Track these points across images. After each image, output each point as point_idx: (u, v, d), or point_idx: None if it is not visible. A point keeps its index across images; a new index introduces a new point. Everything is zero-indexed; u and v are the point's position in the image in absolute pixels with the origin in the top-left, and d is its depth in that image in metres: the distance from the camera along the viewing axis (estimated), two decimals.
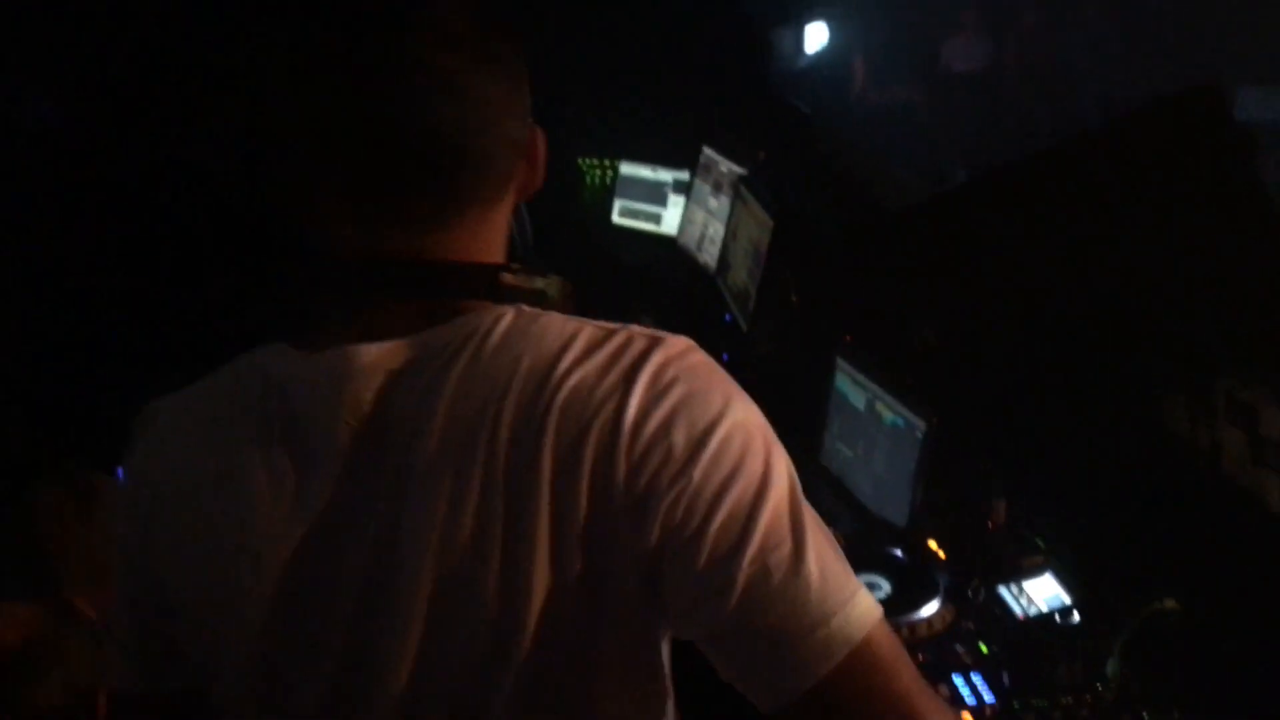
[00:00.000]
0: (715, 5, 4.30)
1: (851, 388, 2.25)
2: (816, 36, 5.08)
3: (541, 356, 0.89)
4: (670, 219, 3.75)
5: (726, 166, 3.38)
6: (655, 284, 3.49)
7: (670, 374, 0.89)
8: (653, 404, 0.88)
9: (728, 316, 3.06)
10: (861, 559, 1.97)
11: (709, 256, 3.38)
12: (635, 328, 0.94)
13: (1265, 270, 1.94)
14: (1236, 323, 1.96)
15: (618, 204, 3.85)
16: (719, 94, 4.00)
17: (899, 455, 2.10)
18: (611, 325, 0.93)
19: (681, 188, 3.70)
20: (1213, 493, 2.01)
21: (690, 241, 3.56)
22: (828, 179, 3.45)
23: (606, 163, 3.93)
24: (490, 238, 0.98)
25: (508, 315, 0.93)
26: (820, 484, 2.31)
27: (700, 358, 0.93)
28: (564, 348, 0.90)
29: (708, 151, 3.52)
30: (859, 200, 3.24)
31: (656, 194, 3.81)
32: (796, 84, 4.70)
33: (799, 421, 2.47)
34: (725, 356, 2.96)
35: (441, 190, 0.93)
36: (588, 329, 0.92)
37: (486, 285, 0.95)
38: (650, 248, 3.74)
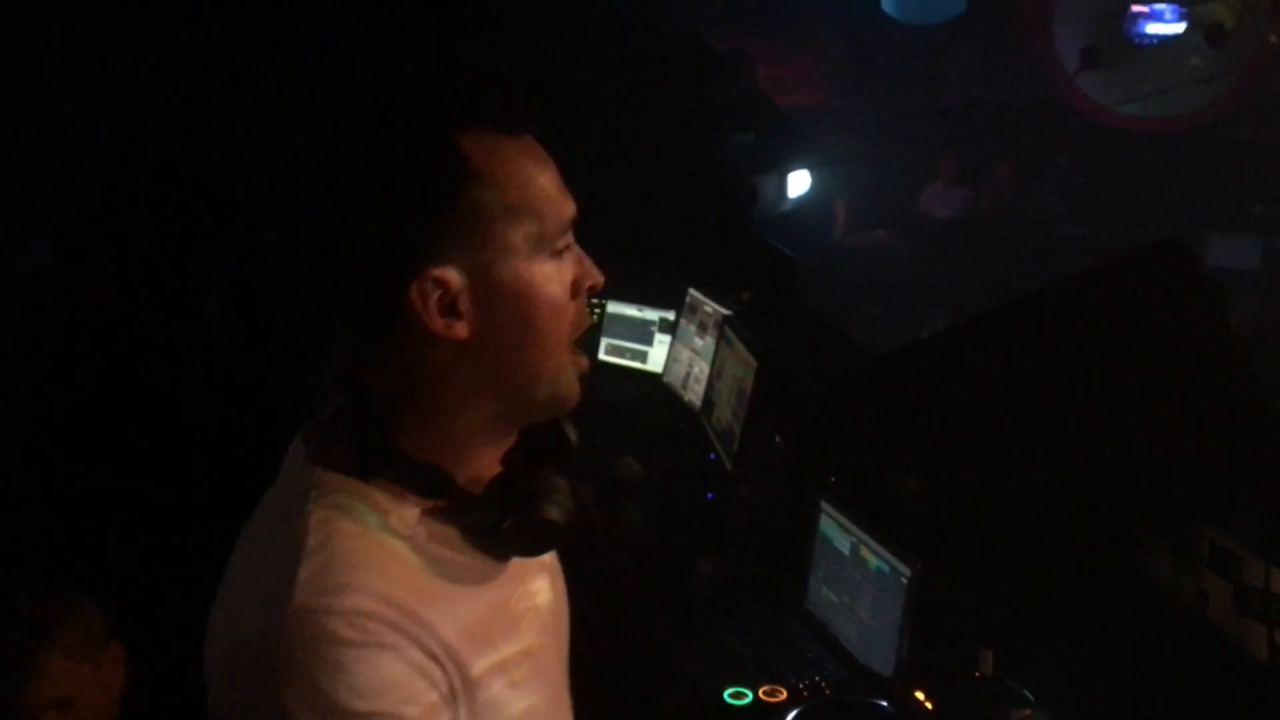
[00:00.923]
0: (701, 153, 4.44)
1: (836, 532, 2.25)
2: (799, 183, 5.22)
3: None
4: (656, 357, 3.80)
5: (711, 307, 3.45)
6: (640, 420, 3.51)
7: None
8: None
9: (712, 455, 3.07)
10: (846, 709, 1.94)
11: (694, 395, 3.42)
12: None
13: (1236, 418, 1.98)
14: (1213, 471, 1.98)
15: (604, 341, 3.91)
16: (704, 236, 4.10)
17: (884, 602, 2.08)
18: None
19: (668, 326, 3.77)
20: (1200, 642, 2.00)
21: (675, 379, 3.60)
22: (810, 322, 3.51)
23: (594, 301, 4.00)
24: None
25: None
26: (805, 631, 2.28)
27: None
28: None
29: (693, 292, 3.59)
30: (839, 344, 3.30)
31: (643, 332, 3.87)
32: (779, 228, 4.81)
33: (784, 565, 2.46)
34: (710, 495, 2.96)
35: None
36: None
37: None
38: (635, 384, 3.77)
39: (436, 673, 0.95)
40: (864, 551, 2.16)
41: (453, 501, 1.01)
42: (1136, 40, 6.88)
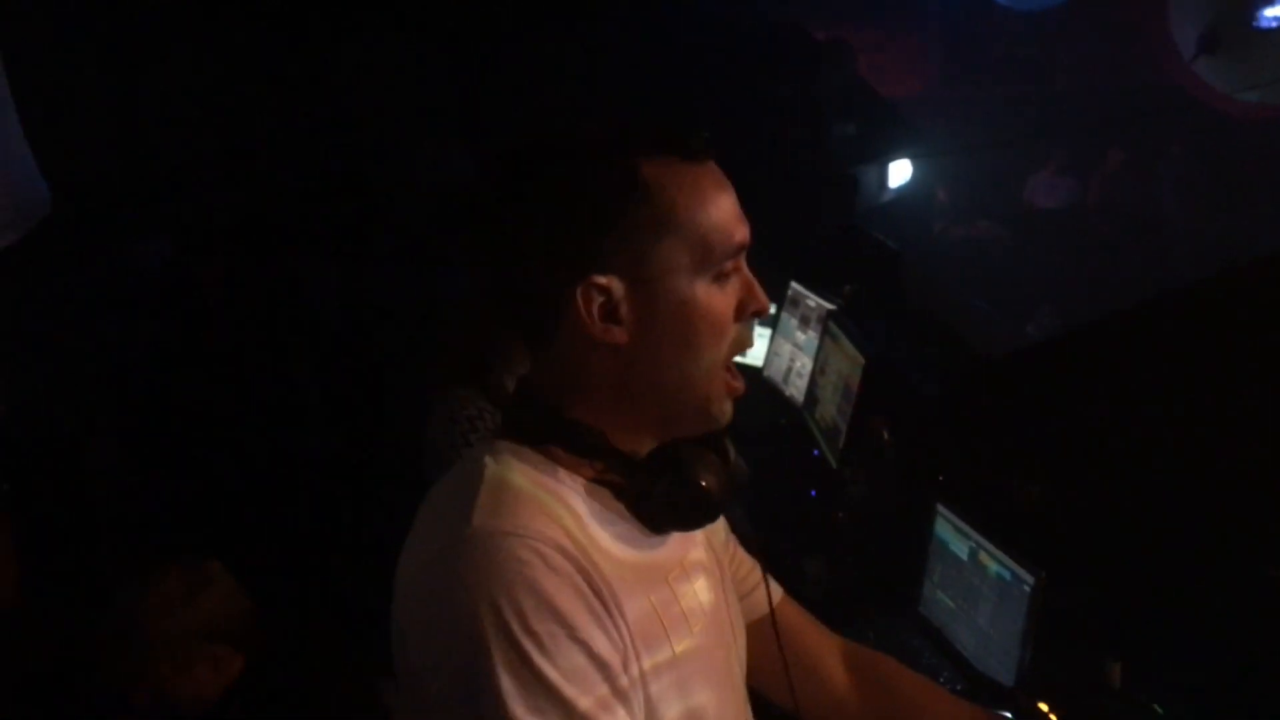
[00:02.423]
0: (802, 143, 4.38)
1: (953, 536, 2.19)
2: (900, 173, 5.11)
3: None
4: (756, 351, 3.74)
5: (815, 301, 3.38)
6: (740, 416, 3.48)
7: None
8: None
9: (815, 452, 3.02)
10: None
11: (796, 390, 3.36)
12: None
13: None
14: None
15: None
16: (805, 228, 4.03)
17: (1005, 609, 2.01)
18: None
19: (768, 320, 3.71)
20: None
21: (777, 374, 3.55)
22: (916, 317, 3.43)
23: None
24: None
25: None
26: (919, 635, 2.22)
27: None
28: None
29: (795, 286, 3.53)
30: (948, 341, 3.20)
31: None
32: (879, 219, 4.71)
33: (896, 568, 2.40)
34: (813, 493, 2.91)
35: None
36: None
37: None
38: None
39: (601, 610, 1.00)
40: (984, 557, 2.09)
41: (613, 464, 1.07)
42: (1258, 25, 6.57)
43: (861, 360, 2.81)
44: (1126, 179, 6.66)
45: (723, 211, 1.06)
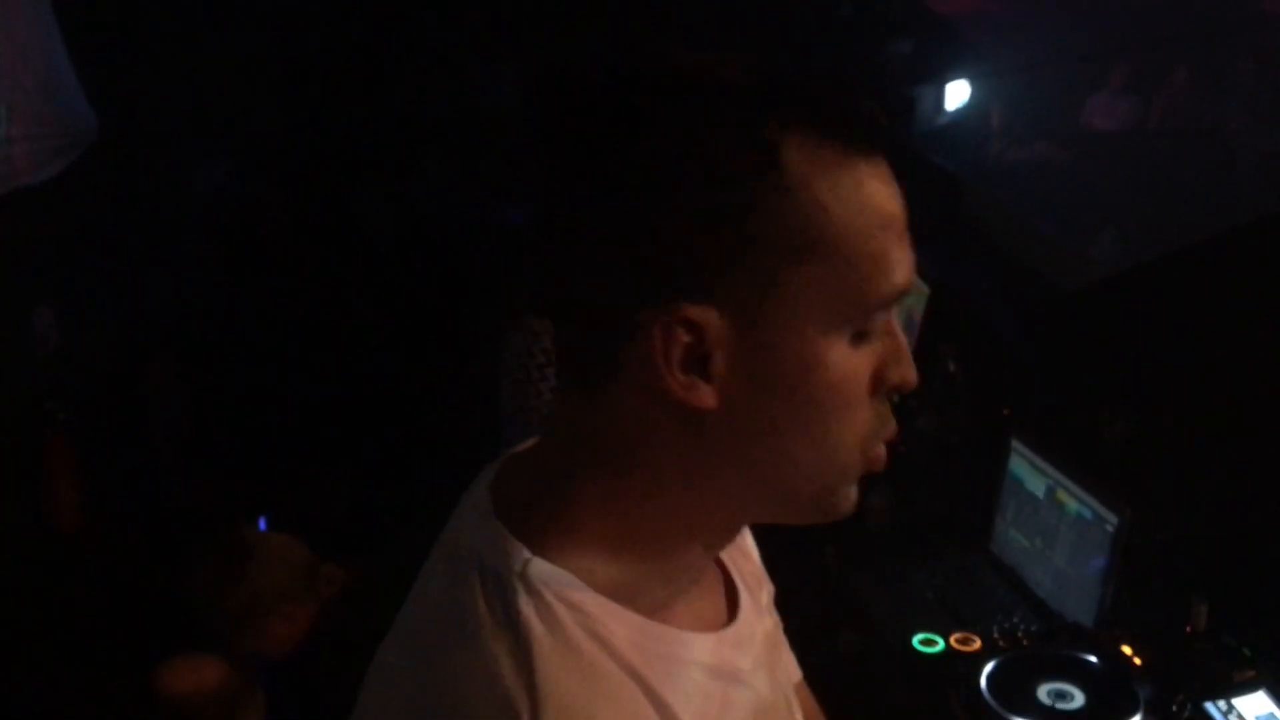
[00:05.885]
0: (857, 62, 4.25)
1: (1029, 473, 2.13)
2: (957, 94, 4.94)
3: None
4: None
5: None
6: None
7: None
8: None
9: None
10: (1049, 662, 1.84)
11: None
12: None
13: None
14: None
15: None
16: None
17: (1084, 549, 1.96)
18: None
19: None
20: None
21: None
22: (985, 246, 3.32)
23: None
24: None
25: None
26: (991, 573, 2.18)
27: None
28: None
29: None
30: (1018, 270, 3.10)
31: None
32: (934, 142, 4.58)
33: (965, 503, 2.35)
34: None
35: None
36: None
37: None
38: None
39: None
40: (1062, 495, 2.03)
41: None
42: None
43: (925, 290, 2.73)
44: (1192, 98, 6.41)
45: (890, 236, 0.71)
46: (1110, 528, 1.90)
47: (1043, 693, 1.79)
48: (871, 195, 0.71)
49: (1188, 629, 1.84)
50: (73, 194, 2.80)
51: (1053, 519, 2.05)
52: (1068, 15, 6.69)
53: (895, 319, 0.74)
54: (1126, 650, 1.83)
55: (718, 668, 0.77)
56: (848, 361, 0.71)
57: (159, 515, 3.05)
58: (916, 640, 1.95)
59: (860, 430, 0.74)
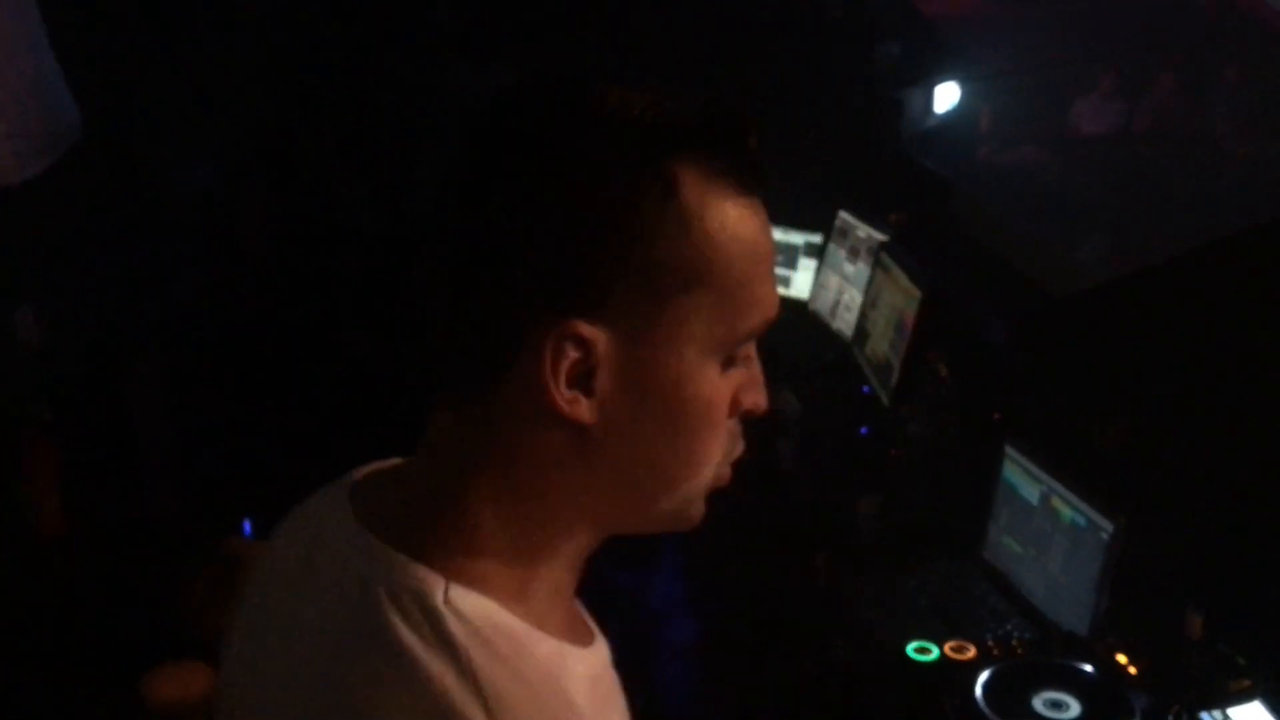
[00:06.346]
0: (845, 64, 4.25)
1: (1022, 479, 2.12)
2: (946, 97, 4.95)
3: None
4: (801, 282, 3.65)
5: (865, 231, 3.29)
6: (785, 350, 3.41)
7: None
8: None
9: (865, 388, 2.95)
10: (1044, 672, 1.84)
11: (844, 324, 3.28)
12: None
13: None
14: None
15: None
16: (849, 154, 3.92)
17: (1079, 557, 1.96)
18: None
19: (813, 251, 3.61)
20: None
21: (823, 307, 3.46)
22: (969, 247, 3.33)
23: None
24: None
25: None
26: (984, 581, 2.17)
27: None
28: None
29: (844, 215, 3.42)
30: (1004, 272, 3.11)
31: (787, 257, 3.72)
32: (922, 145, 4.59)
33: (955, 509, 2.34)
34: (864, 430, 2.85)
35: None
36: None
37: None
38: (780, 311, 3.65)
39: None
40: (1056, 502, 2.03)
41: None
42: None
43: (917, 294, 2.73)
44: (1178, 104, 6.46)
45: (767, 274, 0.78)
46: (1105, 535, 1.90)
47: (1038, 702, 1.79)
48: (753, 232, 0.77)
49: (1183, 638, 1.84)
50: (56, 193, 2.76)
51: (1047, 526, 2.05)
52: (1056, 20, 6.73)
53: (755, 355, 0.81)
54: (1121, 659, 1.83)
55: (598, 679, 0.80)
56: (716, 385, 0.77)
57: (142, 518, 3.03)
58: (910, 649, 1.95)
59: (720, 449, 0.80)
